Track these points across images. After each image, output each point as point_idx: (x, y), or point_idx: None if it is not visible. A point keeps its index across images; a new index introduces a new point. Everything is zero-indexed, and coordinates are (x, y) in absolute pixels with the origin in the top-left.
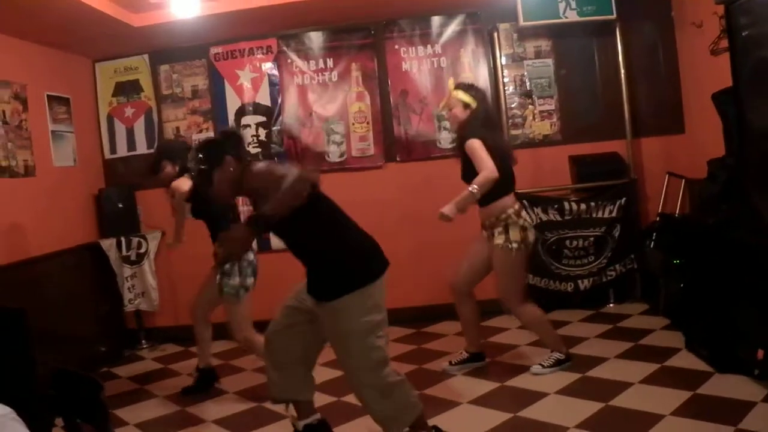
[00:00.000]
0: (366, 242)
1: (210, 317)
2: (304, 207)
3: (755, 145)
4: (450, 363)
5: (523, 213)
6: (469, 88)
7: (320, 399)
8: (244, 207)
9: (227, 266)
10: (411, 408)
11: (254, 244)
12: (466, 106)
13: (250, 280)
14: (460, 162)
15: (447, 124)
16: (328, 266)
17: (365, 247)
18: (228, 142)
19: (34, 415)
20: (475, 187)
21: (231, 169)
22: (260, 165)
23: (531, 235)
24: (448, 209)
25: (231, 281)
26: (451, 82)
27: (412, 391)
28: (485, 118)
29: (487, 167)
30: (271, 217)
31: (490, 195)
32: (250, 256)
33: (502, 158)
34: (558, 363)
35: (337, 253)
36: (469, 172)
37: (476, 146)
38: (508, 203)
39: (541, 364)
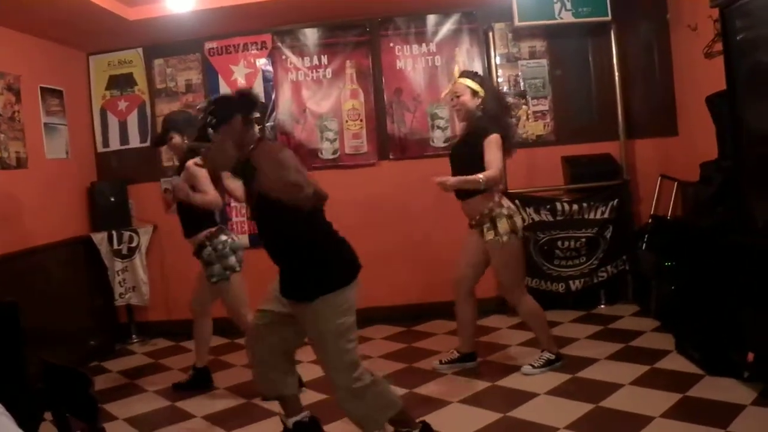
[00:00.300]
0: (342, 243)
1: (209, 312)
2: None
3: (752, 148)
4: (440, 362)
5: (504, 201)
6: (475, 75)
7: (310, 396)
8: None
9: (206, 254)
10: (387, 408)
11: (234, 234)
12: (474, 93)
13: (232, 260)
14: (462, 149)
15: (441, 122)
16: (306, 265)
17: (342, 248)
18: (242, 102)
19: (24, 409)
20: (482, 177)
21: (238, 129)
22: (277, 150)
23: (519, 221)
24: (451, 181)
25: (216, 268)
26: (456, 70)
27: (389, 390)
28: (498, 105)
29: (498, 168)
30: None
31: (472, 190)
32: (222, 237)
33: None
34: (548, 363)
35: (317, 252)
36: (471, 161)
37: (495, 142)
38: (489, 196)
39: (531, 365)
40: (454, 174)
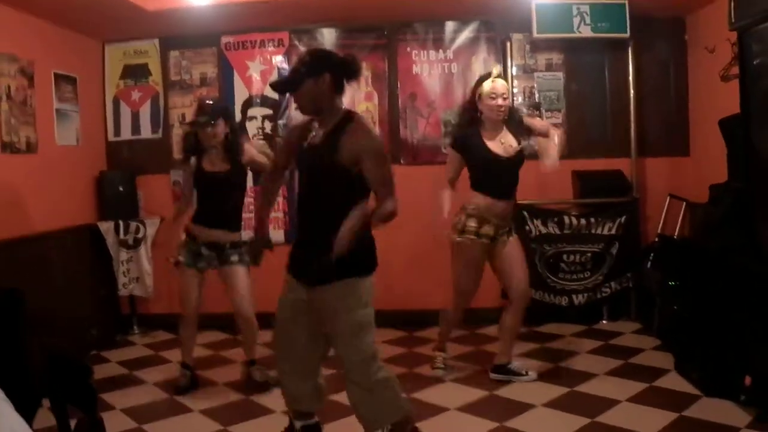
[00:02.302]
0: (371, 234)
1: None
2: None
3: (764, 172)
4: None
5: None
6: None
7: None
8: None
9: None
10: (393, 410)
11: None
12: None
13: None
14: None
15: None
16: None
17: (371, 237)
18: (338, 63)
19: (23, 396)
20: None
21: (324, 87)
22: (374, 140)
23: None
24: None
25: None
26: (496, 70)
27: (399, 393)
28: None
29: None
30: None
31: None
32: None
33: None
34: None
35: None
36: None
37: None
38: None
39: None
40: (505, 178)
